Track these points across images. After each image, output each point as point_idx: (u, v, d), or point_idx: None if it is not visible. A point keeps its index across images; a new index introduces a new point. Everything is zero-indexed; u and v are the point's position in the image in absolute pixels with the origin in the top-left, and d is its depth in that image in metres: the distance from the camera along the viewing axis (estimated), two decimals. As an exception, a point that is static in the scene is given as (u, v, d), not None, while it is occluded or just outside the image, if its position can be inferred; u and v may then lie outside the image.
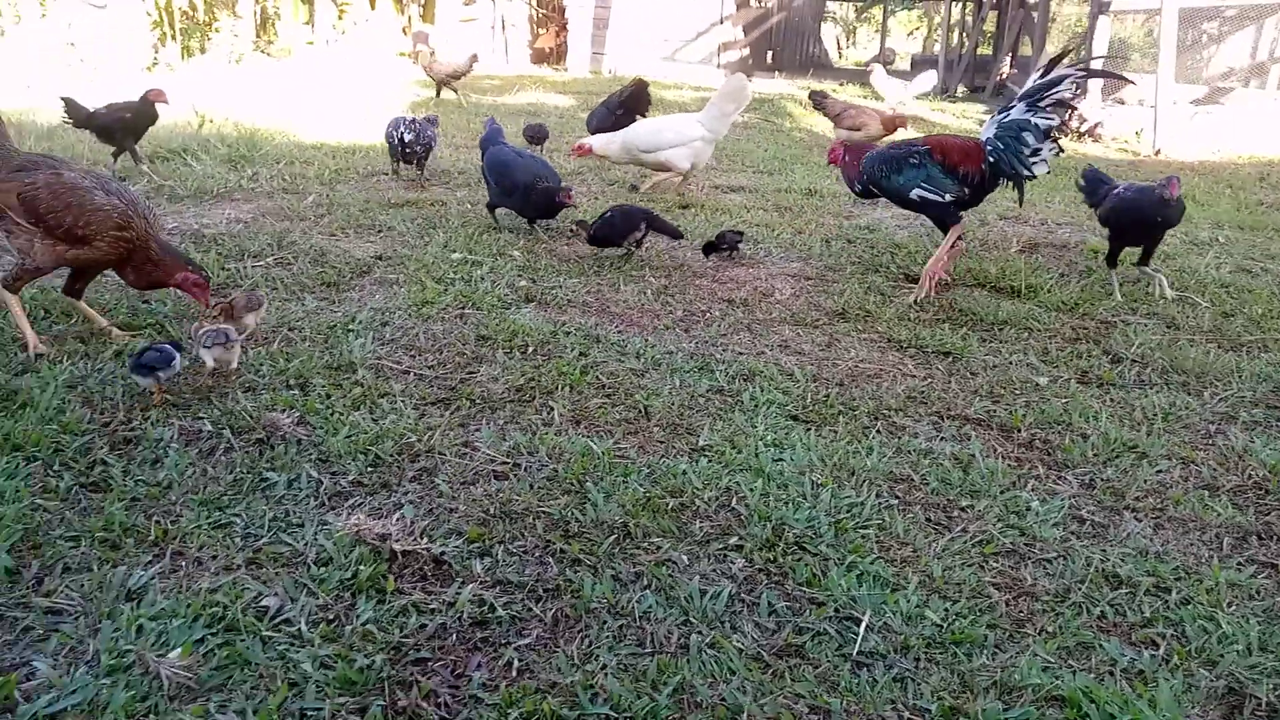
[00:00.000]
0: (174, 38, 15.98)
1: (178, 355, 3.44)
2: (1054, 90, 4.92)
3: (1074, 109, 4.93)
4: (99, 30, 13.77)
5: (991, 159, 5.02)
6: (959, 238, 5.31)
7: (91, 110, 6.69)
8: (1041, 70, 5.11)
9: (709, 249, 5.74)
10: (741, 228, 6.41)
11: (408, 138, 7.09)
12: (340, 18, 19.96)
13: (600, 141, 7.20)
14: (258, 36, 18.44)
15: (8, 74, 11.24)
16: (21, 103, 9.78)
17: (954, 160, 5.11)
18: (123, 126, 6.66)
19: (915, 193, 5.17)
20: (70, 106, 6.70)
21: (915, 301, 5.10)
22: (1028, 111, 4.98)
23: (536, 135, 8.73)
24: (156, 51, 14.89)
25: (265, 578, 2.54)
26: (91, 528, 2.68)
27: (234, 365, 3.65)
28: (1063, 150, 5.15)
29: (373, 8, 20.30)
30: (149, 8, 15.26)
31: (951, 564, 2.73)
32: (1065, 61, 5.12)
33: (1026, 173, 5.01)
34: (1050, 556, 2.81)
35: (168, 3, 15.73)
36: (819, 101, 10.54)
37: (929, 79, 14.47)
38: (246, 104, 10.86)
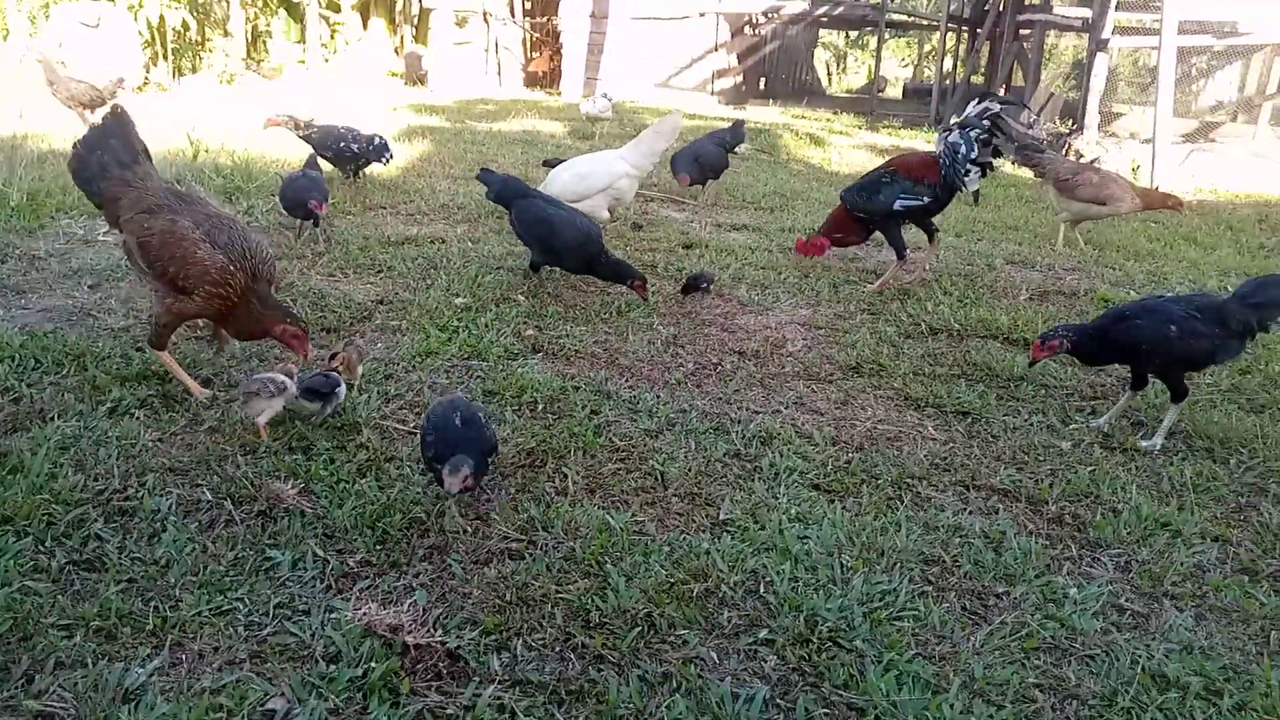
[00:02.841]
0: (165, 57, 15.84)
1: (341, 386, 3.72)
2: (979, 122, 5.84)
3: (996, 136, 5.86)
4: (90, 49, 13.58)
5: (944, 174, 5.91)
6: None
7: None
8: (976, 100, 6.02)
9: (687, 289, 5.74)
10: (748, 270, 6.33)
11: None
12: (332, 37, 19.87)
13: None
14: (249, 55, 18.34)
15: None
16: (10, 129, 9.59)
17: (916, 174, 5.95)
18: None
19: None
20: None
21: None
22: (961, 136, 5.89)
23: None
24: (148, 71, 14.74)
25: (271, 674, 2.40)
26: (85, 615, 2.53)
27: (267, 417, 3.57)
28: (991, 169, 6.00)
29: (365, 28, 20.25)
30: (140, 27, 15.11)
31: (993, 661, 2.61)
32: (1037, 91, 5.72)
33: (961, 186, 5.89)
34: (1093, 653, 2.69)
35: (160, 22, 15.60)
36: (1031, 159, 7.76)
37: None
38: (239, 127, 10.72)
